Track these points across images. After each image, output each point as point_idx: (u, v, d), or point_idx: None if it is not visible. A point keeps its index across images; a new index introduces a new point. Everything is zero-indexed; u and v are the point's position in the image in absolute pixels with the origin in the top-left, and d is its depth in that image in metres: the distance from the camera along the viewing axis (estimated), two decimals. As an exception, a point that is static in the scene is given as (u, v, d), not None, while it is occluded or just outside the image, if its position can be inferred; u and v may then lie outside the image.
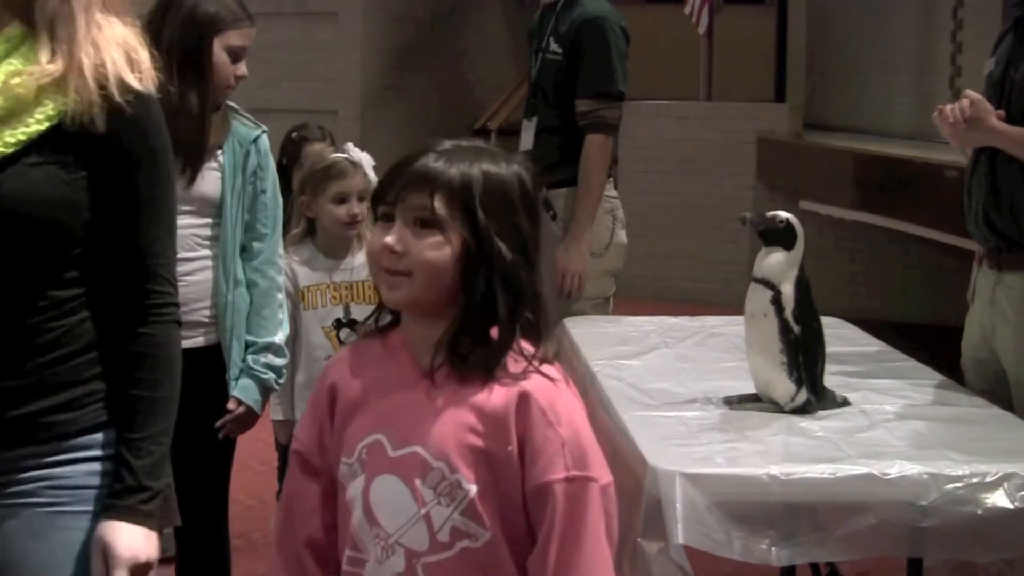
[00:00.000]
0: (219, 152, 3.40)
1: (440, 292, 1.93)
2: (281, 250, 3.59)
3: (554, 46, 4.74)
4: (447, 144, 1.97)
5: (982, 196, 3.47)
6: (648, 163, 10.41)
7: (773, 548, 2.61)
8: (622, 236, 4.81)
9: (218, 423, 3.40)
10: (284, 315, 3.57)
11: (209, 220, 3.40)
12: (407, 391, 1.96)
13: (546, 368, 1.94)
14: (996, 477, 2.63)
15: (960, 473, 2.64)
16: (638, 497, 2.63)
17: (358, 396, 2.01)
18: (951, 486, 2.62)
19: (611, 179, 4.82)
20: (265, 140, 3.50)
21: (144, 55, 2.15)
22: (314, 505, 2.03)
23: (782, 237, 3.16)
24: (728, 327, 4.03)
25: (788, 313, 3.11)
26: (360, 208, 3.93)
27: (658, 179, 10.46)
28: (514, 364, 1.92)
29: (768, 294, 3.14)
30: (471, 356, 1.92)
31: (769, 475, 2.63)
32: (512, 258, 1.92)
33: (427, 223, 1.91)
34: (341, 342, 3.95)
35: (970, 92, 3.41)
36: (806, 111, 10.72)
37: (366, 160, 4.02)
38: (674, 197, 10.44)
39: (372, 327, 2.06)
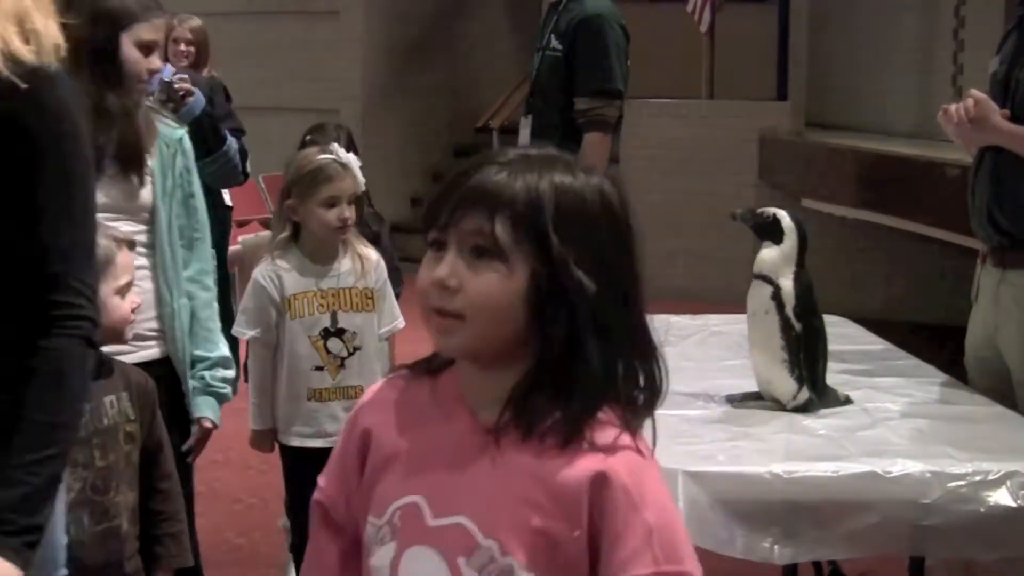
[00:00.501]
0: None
1: (507, 337, 1.58)
2: (211, 258, 3.43)
3: (555, 43, 4.74)
4: (512, 153, 1.64)
5: (986, 194, 3.47)
6: (650, 161, 10.41)
7: (775, 546, 2.61)
8: (622, 235, 4.80)
9: (185, 446, 3.28)
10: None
11: (143, 227, 3.23)
12: (459, 449, 1.61)
13: (640, 441, 1.61)
14: (998, 475, 2.63)
15: (962, 471, 2.64)
16: (640, 495, 2.62)
17: (396, 447, 1.66)
18: (953, 484, 2.62)
19: (610, 178, 4.80)
20: (188, 139, 3.37)
21: (44, 25, 1.89)
22: (332, 566, 1.73)
23: (771, 231, 3.17)
24: (730, 325, 4.02)
25: (789, 310, 3.11)
26: (350, 212, 3.78)
27: (660, 177, 10.45)
28: (601, 431, 1.58)
29: (768, 290, 3.14)
30: (547, 417, 1.57)
31: (771, 473, 2.63)
32: (597, 292, 1.61)
33: (486, 251, 1.57)
34: (328, 352, 3.83)
35: (975, 91, 3.41)
36: (808, 109, 10.72)
37: (354, 162, 3.87)
38: (676, 195, 10.43)
39: (421, 366, 1.73)
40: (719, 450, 2.78)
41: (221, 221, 5.43)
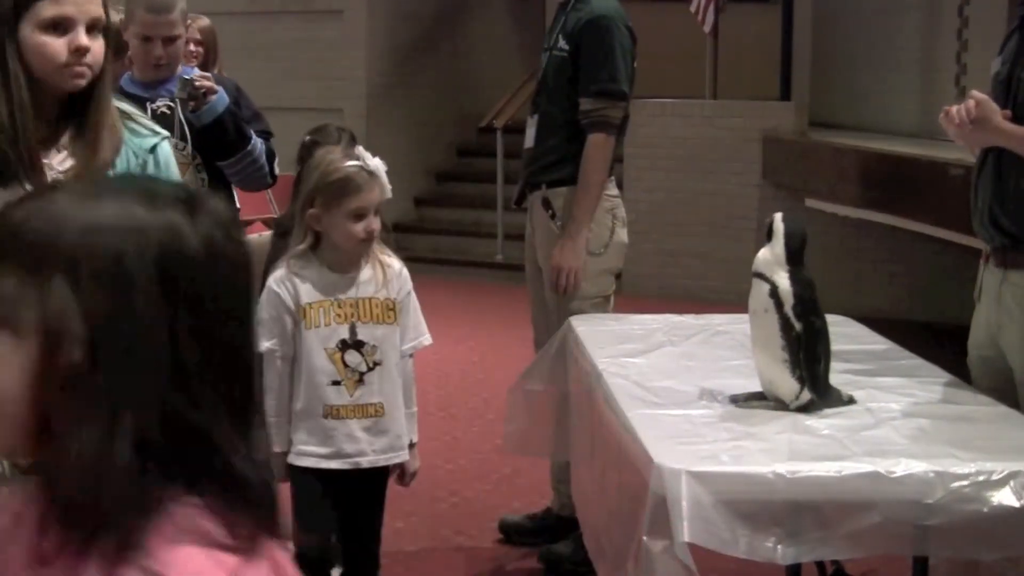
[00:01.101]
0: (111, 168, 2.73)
1: (27, 430, 1.19)
2: None
3: (562, 43, 4.74)
4: (77, 183, 1.24)
5: (988, 195, 3.47)
6: (653, 161, 10.42)
7: (779, 546, 2.61)
8: (622, 235, 4.81)
9: None
10: None
11: None
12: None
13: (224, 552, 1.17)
14: (1002, 475, 2.63)
15: (966, 471, 2.64)
16: (643, 495, 2.63)
17: None
18: (957, 484, 2.62)
19: (612, 178, 4.82)
20: (166, 148, 2.86)
21: None
22: None
23: (768, 233, 3.21)
24: (733, 325, 4.03)
25: (788, 309, 3.12)
26: (377, 223, 3.60)
27: (663, 177, 10.46)
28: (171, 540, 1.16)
29: (765, 287, 3.15)
30: (92, 529, 1.15)
31: (775, 473, 2.63)
32: (143, 378, 1.16)
33: None
34: (346, 365, 3.63)
35: (976, 92, 3.41)
36: (811, 109, 10.71)
37: (381, 168, 3.65)
38: (679, 195, 10.44)
39: None
40: (722, 450, 2.78)
41: None
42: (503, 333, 8.64)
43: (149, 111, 4.02)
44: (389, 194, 3.66)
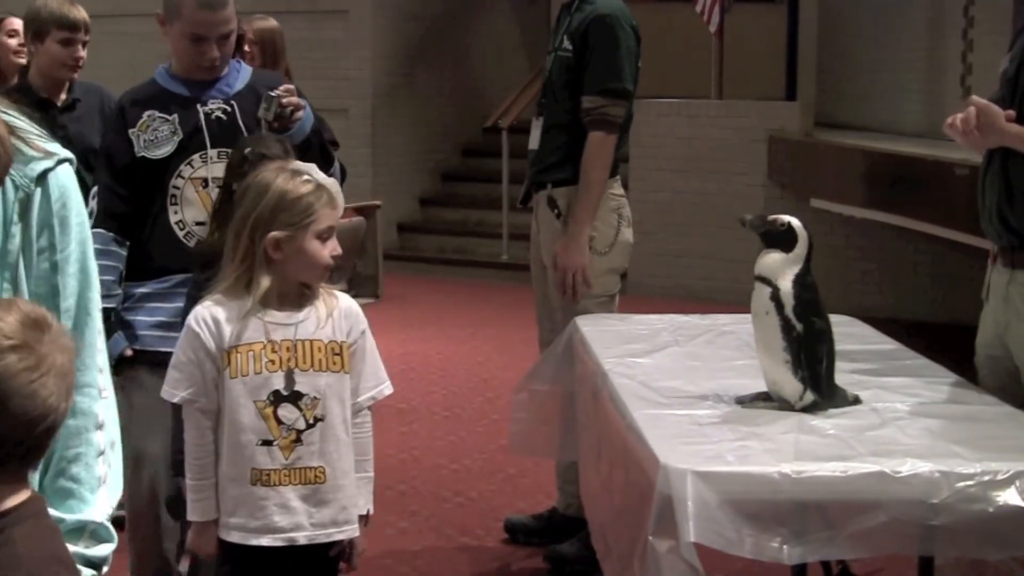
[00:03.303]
0: None
1: None
2: (100, 359, 2.16)
3: (566, 43, 4.75)
4: None
5: (996, 194, 3.47)
6: (659, 161, 10.42)
7: (784, 546, 2.61)
8: (628, 235, 4.81)
9: None
10: (111, 465, 2.13)
11: None
12: None
13: None
14: (1007, 475, 2.63)
15: (971, 471, 2.64)
16: (649, 495, 2.63)
17: None
18: (962, 484, 2.62)
19: (617, 177, 4.82)
20: (62, 176, 2.09)
21: None
22: None
23: (782, 239, 3.17)
24: (738, 325, 4.03)
25: (789, 311, 3.12)
26: (338, 246, 3.13)
27: (669, 177, 10.46)
28: None
29: (767, 291, 3.15)
30: None
31: (780, 473, 2.63)
32: None
33: None
34: (280, 422, 3.04)
35: (975, 99, 3.41)
36: (817, 109, 10.71)
37: (334, 183, 3.17)
38: (685, 195, 10.44)
39: None
40: (728, 450, 2.78)
41: None
42: (508, 333, 8.65)
43: (201, 115, 3.74)
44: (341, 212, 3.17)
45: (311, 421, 3.06)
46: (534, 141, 4.90)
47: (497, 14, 13.20)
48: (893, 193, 7.88)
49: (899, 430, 2.95)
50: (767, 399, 3.19)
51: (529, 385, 4.34)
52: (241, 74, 3.86)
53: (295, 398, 3.05)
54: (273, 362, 3.04)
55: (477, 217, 12.47)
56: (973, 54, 9.34)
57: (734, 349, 3.83)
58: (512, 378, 4.80)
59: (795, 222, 3.20)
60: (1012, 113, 3.38)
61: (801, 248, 3.16)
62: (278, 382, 3.04)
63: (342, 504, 3.12)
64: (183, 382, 3.08)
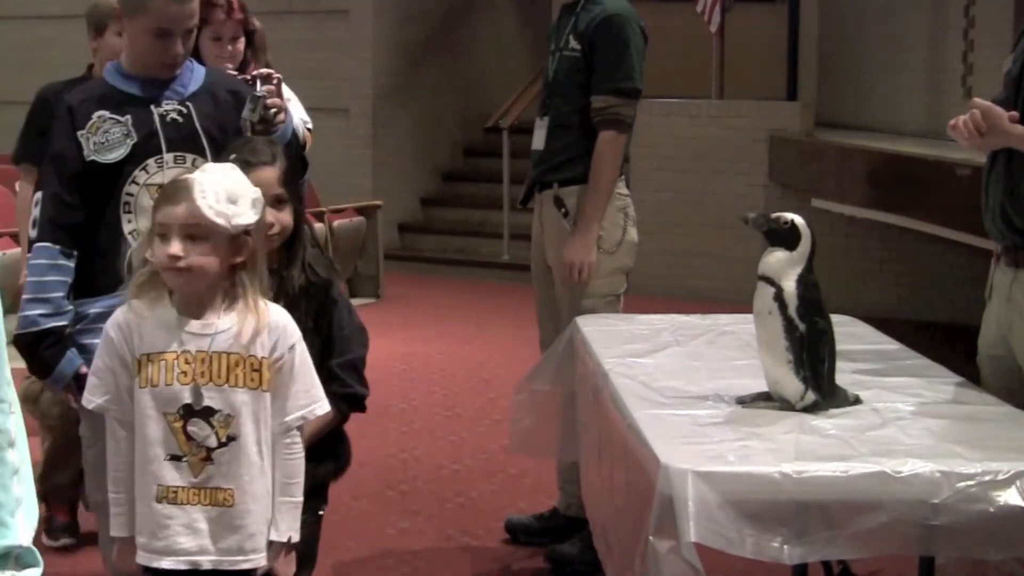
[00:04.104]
0: None
1: None
2: (7, 371, 1.88)
3: (573, 43, 4.75)
4: None
5: (999, 194, 3.47)
6: (660, 161, 10.42)
7: (785, 546, 2.61)
8: (633, 234, 4.82)
9: None
10: (25, 484, 1.90)
11: None
12: None
13: None
14: (1008, 475, 2.63)
15: (972, 471, 2.64)
16: (650, 495, 2.63)
17: None
18: (963, 484, 2.62)
19: (623, 177, 4.82)
20: None
21: None
22: None
23: (786, 238, 3.18)
24: (739, 325, 4.03)
25: (792, 311, 3.12)
26: (178, 247, 2.84)
27: (670, 177, 10.46)
28: None
29: (771, 291, 3.15)
30: None
31: (781, 473, 2.63)
32: None
33: None
34: (190, 438, 2.85)
35: (978, 101, 3.41)
36: (818, 109, 10.72)
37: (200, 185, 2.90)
38: (686, 195, 10.45)
39: None
40: (729, 450, 2.78)
41: None
42: (509, 333, 8.65)
43: (156, 116, 3.42)
44: (211, 217, 2.84)
45: (223, 440, 2.86)
46: (538, 141, 4.90)
47: (498, 14, 13.20)
48: (894, 193, 7.88)
49: (900, 430, 2.95)
50: (768, 399, 3.19)
51: (530, 385, 4.34)
52: (195, 74, 3.53)
53: (207, 414, 2.86)
54: (185, 374, 2.85)
55: (478, 217, 12.48)
56: (974, 54, 9.34)
57: (735, 349, 3.83)
58: (513, 378, 4.79)
59: (799, 220, 3.20)
60: (1016, 114, 3.38)
61: (805, 247, 3.16)
62: (188, 396, 2.85)
63: (250, 531, 2.89)
64: (99, 389, 2.93)
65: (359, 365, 3.30)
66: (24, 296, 3.34)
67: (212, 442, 2.85)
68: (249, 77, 3.71)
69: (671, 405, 3.17)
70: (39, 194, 3.42)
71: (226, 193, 2.87)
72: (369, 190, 11.71)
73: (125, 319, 2.91)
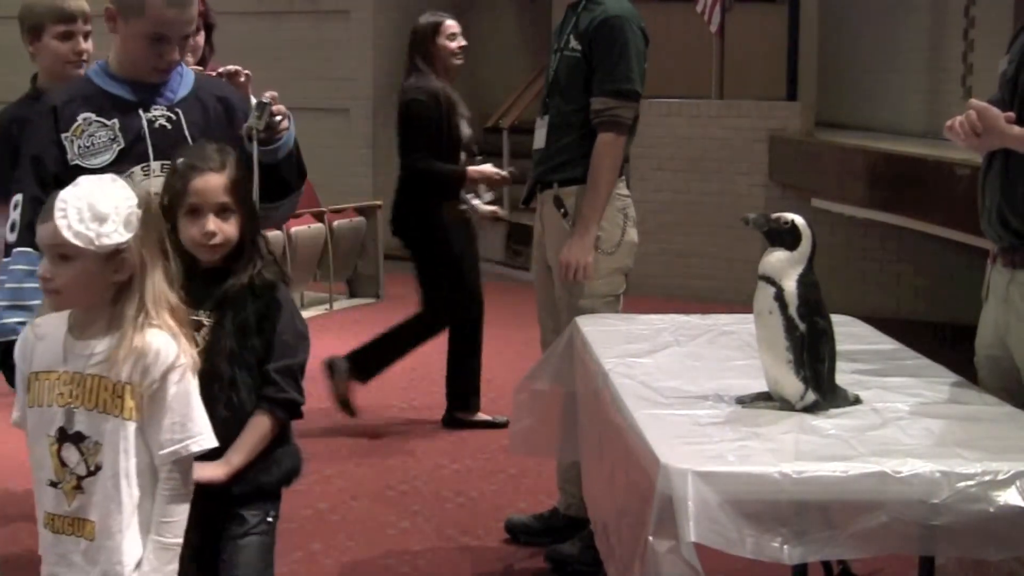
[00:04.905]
0: None
1: None
2: None
3: (574, 43, 4.74)
4: None
5: (996, 195, 3.47)
6: (660, 161, 10.43)
7: (785, 546, 2.61)
8: (633, 234, 4.82)
9: None
10: None
11: None
12: None
13: None
14: (1008, 475, 2.63)
15: (972, 471, 2.64)
16: (650, 495, 2.63)
17: None
18: (963, 484, 2.62)
19: (623, 178, 4.82)
20: None
21: None
22: None
23: (786, 238, 3.18)
24: (739, 325, 4.03)
25: (792, 310, 3.12)
26: (47, 268, 2.73)
27: (670, 177, 10.47)
28: None
29: (771, 291, 3.15)
30: None
31: (781, 473, 2.63)
32: None
33: None
34: (63, 464, 2.73)
35: (975, 102, 3.41)
36: (818, 109, 10.72)
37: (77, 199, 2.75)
38: (686, 195, 10.45)
39: None
40: (728, 450, 2.78)
41: None
42: (509, 333, 8.64)
43: (144, 122, 3.30)
44: (70, 238, 2.69)
45: (92, 468, 2.72)
46: (539, 140, 4.90)
47: (498, 14, 13.20)
48: (894, 193, 7.88)
49: (900, 430, 2.95)
50: (768, 399, 3.19)
51: (530, 385, 4.34)
52: (184, 79, 3.41)
53: (77, 439, 2.73)
54: (62, 395, 2.73)
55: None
56: (974, 54, 9.35)
57: (735, 349, 3.83)
58: (513, 378, 4.79)
59: (799, 219, 3.20)
60: (1012, 115, 3.38)
61: (805, 246, 3.17)
62: (61, 419, 2.73)
63: (103, 569, 2.74)
64: (17, 403, 2.83)
65: (297, 371, 3.14)
66: (0, 303, 3.21)
67: (82, 470, 2.72)
68: (213, 74, 3.64)
69: (671, 405, 3.17)
70: (18, 196, 3.30)
71: (91, 211, 2.71)
72: (369, 190, 11.70)
73: (25, 335, 2.84)
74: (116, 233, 2.71)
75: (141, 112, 3.31)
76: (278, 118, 3.33)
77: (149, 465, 2.76)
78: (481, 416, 6.74)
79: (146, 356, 2.71)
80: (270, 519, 3.19)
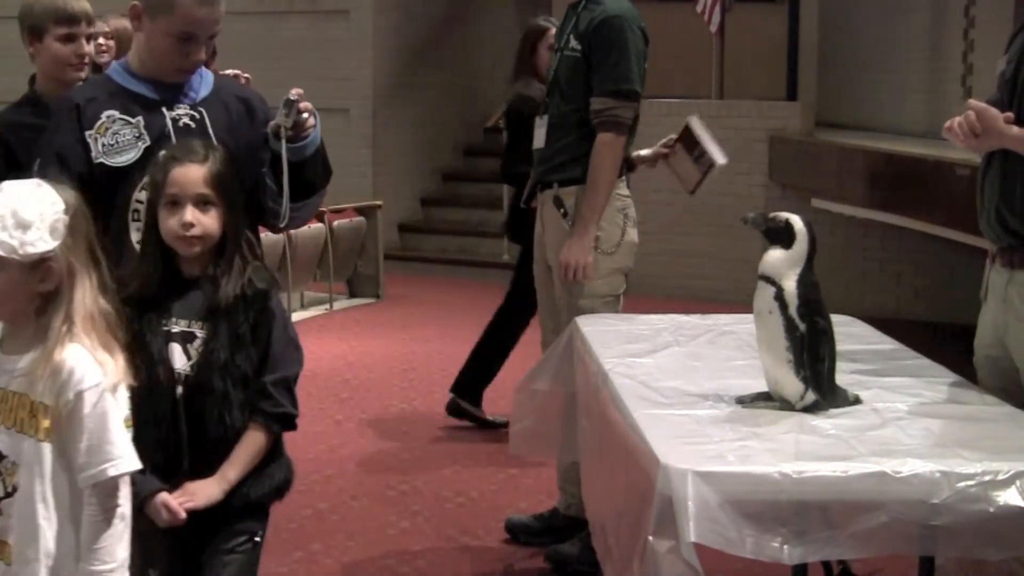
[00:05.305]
0: None
1: None
2: None
3: (573, 43, 4.74)
4: None
5: (995, 195, 3.47)
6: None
7: (785, 546, 2.61)
8: (633, 235, 4.82)
9: None
10: None
11: None
12: None
13: None
14: (1008, 475, 2.63)
15: (972, 471, 2.64)
16: (650, 495, 2.63)
17: None
18: (963, 484, 2.62)
19: (623, 178, 4.82)
20: None
21: None
22: None
23: (782, 236, 3.18)
24: (739, 325, 4.03)
25: (792, 310, 3.12)
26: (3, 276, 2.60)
27: (669, 177, 10.45)
28: None
29: (771, 291, 3.15)
30: None
31: (781, 473, 2.63)
32: None
33: None
34: None
35: (973, 103, 3.41)
36: (818, 109, 10.72)
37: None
38: (685, 195, 10.42)
39: None
40: (728, 450, 2.78)
41: None
42: (509, 333, 8.64)
43: (168, 120, 3.28)
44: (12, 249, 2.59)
45: (9, 489, 2.59)
46: (539, 140, 4.90)
47: (498, 14, 13.20)
48: (894, 193, 7.88)
49: (900, 430, 2.95)
50: (768, 399, 3.19)
51: (530, 385, 4.34)
52: (205, 79, 3.39)
53: None
54: None
55: (478, 217, 12.48)
56: (974, 54, 9.35)
57: (735, 349, 3.83)
58: (513, 378, 4.80)
59: (794, 218, 3.20)
60: (1011, 115, 3.38)
61: (802, 245, 3.16)
62: None
63: None
64: None
65: (292, 383, 3.08)
66: None
67: (0, 491, 2.60)
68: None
69: (671, 405, 3.17)
70: None
71: (15, 218, 2.58)
72: (369, 190, 11.71)
73: None
74: (41, 241, 2.60)
75: (165, 111, 3.29)
76: (305, 115, 3.28)
77: (72, 489, 2.61)
78: (482, 414, 6.74)
79: (60, 374, 2.57)
80: (257, 539, 3.10)
